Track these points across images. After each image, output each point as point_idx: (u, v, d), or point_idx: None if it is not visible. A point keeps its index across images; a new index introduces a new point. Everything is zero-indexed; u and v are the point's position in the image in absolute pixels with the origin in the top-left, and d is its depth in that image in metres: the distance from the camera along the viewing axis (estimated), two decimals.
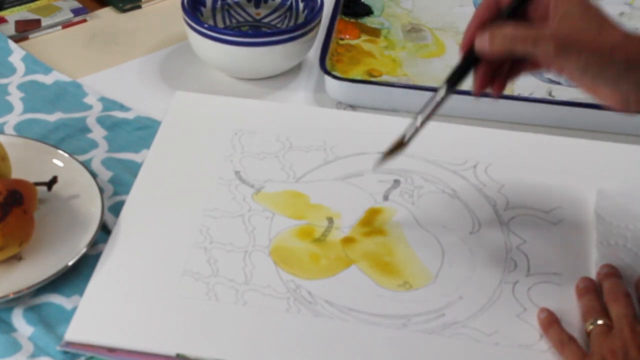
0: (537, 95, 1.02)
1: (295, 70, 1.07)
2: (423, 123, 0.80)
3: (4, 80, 1.03)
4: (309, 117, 0.98)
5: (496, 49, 0.75)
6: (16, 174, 0.84)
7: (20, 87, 1.02)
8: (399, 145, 0.82)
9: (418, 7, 1.17)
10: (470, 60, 0.78)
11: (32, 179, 0.82)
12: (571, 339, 0.75)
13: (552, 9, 0.74)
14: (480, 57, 0.77)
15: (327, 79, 1.01)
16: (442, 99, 0.79)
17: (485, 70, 0.78)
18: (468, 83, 0.79)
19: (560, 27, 0.72)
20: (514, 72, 0.80)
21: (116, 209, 0.87)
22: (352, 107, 1.01)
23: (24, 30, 1.11)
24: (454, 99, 1.00)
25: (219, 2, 1.09)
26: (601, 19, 0.73)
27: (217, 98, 1.00)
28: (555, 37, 0.72)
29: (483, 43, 0.75)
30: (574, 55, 0.72)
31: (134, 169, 0.91)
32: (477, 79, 0.78)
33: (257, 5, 1.10)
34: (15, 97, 1.00)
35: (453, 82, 0.78)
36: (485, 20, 0.77)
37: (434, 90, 0.99)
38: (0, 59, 1.05)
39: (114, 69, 1.06)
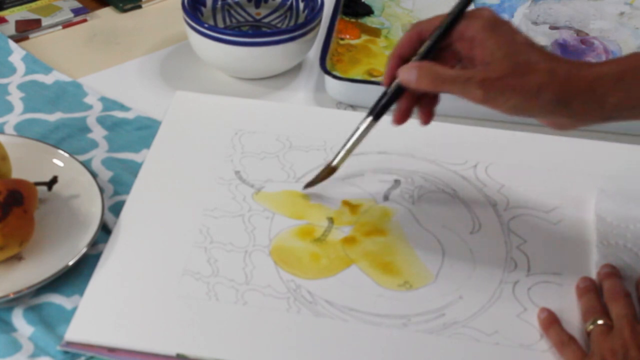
0: None
1: (295, 70, 1.07)
2: (350, 150, 0.84)
3: (4, 80, 1.03)
4: (309, 117, 0.98)
5: (423, 86, 0.76)
6: (16, 174, 0.84)
7: (21, 87, 1.02)
8: (330, 171, 0.86)
9: (418, 7, 1.17)
10: (394, 92, 0.79)
11: (32, 179, 0.82)
12: (571, 339, 0.75)
13: (477, 49, 0.75)
14: (403, 89, 0.78)
15: (327, 79, 1.01)
16: (367, 129, 0.83)
17: (408, 101, 0.79)
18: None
19: (486, 72, 0.74)
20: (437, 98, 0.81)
21: (116, 209, 0.87)
22: (352, 107, 1.01)
23: (24, 30, 1.11)
24: (455, 99, 1.00)
25: (219, 2, 1.09)
26: (527, 58, 0.74)
27: (217, 98, 1.00)
28: (482, 82, 0.73)
29: (410, 77, 0.76)
30: (501, 98, 0.73)
31: (134, 168, 0.91)
32: (399, 110, 0.80)
33: (257, 5, 1.10)
34: (15, 97, 1.00)
35: (377, 114, 0.81)
36: (408, 53, 0.78)
37: None
38: (0, 59, 1.05)
39: (114, 69, 1.06)
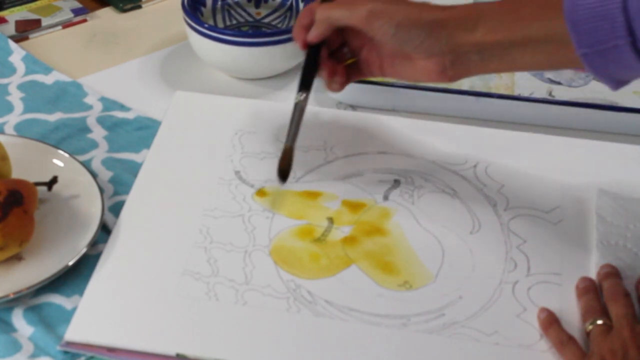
0: (537, 95, 1.02)
1: (295, 70, 1.06)
2: (298, 127, 0.85)
3: (4, 80, 1.03)
4: (308, 117, 0.98)
5: (321, 28, 0.83)
6: (16, 174, 0.84)
7: (21, 87, 1.02)
8: (288, 152, 0.85)
9: None
10: (311, 56, 0.85)
11: (32, 179, 0.82)
12: (571, 339, 0.75)
13: None
14: (318, 49, 0.85)
15: None
16: (303, 103, 0.85)
17: (330, 64, 0.85)
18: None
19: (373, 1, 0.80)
20: (355, 72, 0.87)
21: (116, 209, 0.87)
22: (352, 107, 1.01)
23: (24, 30, 1.11)
24: (455, 99, 1.00)
25: (219, 2, 1.09)
26: None
27: (217, 98, 1.00)
28: (367, 5, 0.79)
29: (312, 32, 0.84)
30: (385, 18, 0.78)
31: (134, 169, 0.91)
32: (326, 71, 0.86)
33: (257, 5, 1.10)
34: (15, 97, 1.00)
35: (306, 85, 0.85)
36: (309, 24, 0.84)
37: (432, 90, 0.99)
38: (0, 59, 1.06)
39: (114, 69, 1.06)
